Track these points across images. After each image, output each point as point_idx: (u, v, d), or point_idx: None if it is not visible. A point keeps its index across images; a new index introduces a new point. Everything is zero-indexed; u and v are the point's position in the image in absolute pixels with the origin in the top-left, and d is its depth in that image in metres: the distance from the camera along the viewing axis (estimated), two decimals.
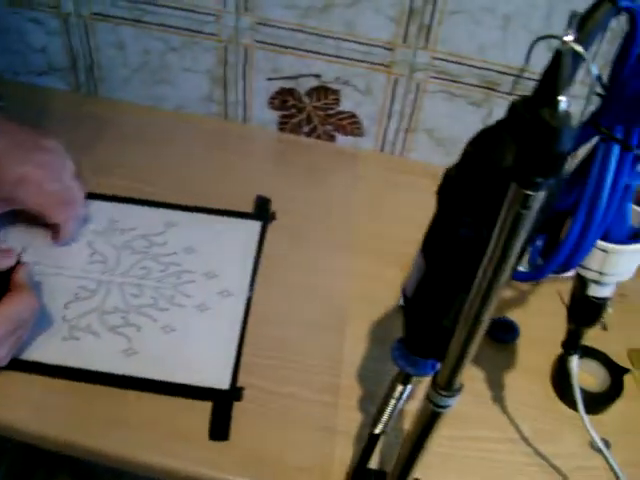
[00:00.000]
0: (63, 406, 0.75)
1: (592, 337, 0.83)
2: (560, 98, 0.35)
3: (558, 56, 0.36)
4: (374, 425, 0.62)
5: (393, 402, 0.60)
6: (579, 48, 0.36)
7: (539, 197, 0.37)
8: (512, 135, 0.39)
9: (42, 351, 0.79)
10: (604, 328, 0.89)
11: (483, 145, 0.41)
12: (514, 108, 0.39)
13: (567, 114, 0.35)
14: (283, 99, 1.05)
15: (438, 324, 0.50)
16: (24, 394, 0.75)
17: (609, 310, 0.90)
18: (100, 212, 0.95)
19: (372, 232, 0.96)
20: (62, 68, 1.10)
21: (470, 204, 0.42)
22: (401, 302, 0.84)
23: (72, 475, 0.99)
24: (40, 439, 0.74)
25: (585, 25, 0.39)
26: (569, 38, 0.36)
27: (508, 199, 0.38)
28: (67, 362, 0.78)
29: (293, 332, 0.84)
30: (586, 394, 0.79)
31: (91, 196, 0.95)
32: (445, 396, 0.51)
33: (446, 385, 0.51)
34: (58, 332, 0.81)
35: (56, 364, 0.78)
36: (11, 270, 0.76)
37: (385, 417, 0.61)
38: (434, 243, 0.47)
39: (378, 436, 0.64)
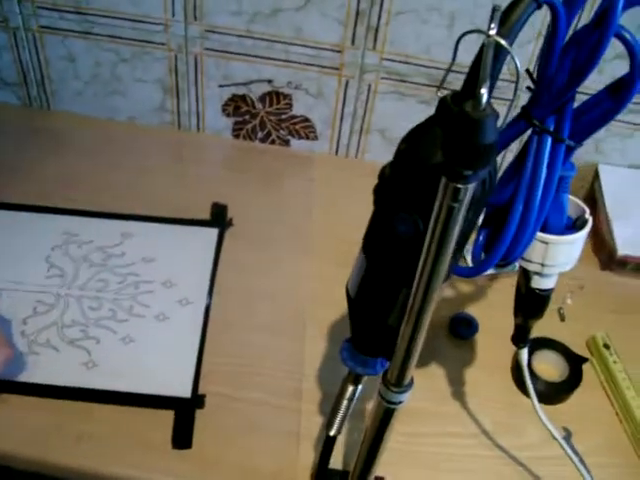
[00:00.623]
0: (24, 422, 0.74)
1: (551, 328, 0.85)
2: (482, 91, 0.35)
3: (482, 50, 0.36)
4: (329, 427, 0.62)
5: (345, 403, 0.60)
6: (502, 41, 0.37)
7: (469, 190, 0.37)
8: (442, 129, 0.39)
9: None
10: (562, 319, 0.90)
11: (415, 141, 0.42)
12: (443, 103, 0.39)
13: (489, 107, 0.36)
14: (236, 105, 1.05)
15: (383, 322, 0.50)
16: None
17: (568, 301, 0.92)
18: (57, 226, 0.94)
19: (328, 234, 0.96)
20: (13, 83, 1.09)
21: (406, 201, 0.43)
22: None
23: None
24: (2, 457, 0.73)
25: (508, 19, 0.39)
26: (492, 32, 0.36)
27: (439, 193, 0.38)
28: (27, 378, 0.78)
29: (253, 338, 0.84)
30: (546, 385, 0.80)
31: (47, 210, 0.95)
32: (396, 392, 0.52)
33: (396, 381, 0.51)
34: (17, 348, 0.81)
35: (16, 380, 0.78)
36: None
37: (339, 418, 0.61)
38: (374, 241, 0.47)
39: (334, 438, 0.64)
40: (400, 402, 0.53)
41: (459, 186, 0.37)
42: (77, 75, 1.06)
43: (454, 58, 0.40)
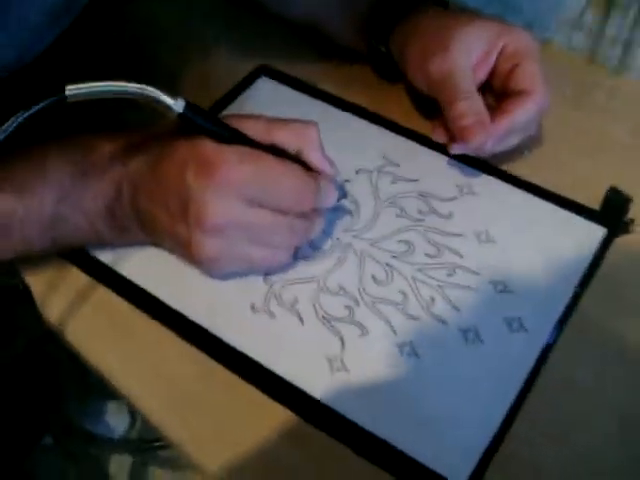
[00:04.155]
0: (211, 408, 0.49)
1: None
2: None
3: None
4: None
5: None
6: None
7: None
8: None
9: (209, 318, 0.53)
10: None
11: None
12: None
13: None
14: None
15: None
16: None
17: None
18: (377, 144, 0.65)
19: None
20: None
21: None
22: None
23: None
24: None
25: None
26: None
27: None
28: (241, 345, 0.52)
29: (597, 421, 0.49)
30: None
31: (377, 120, 0.67)
32: None
33: None
34: (251, 297, 0.54)
35: (225, 340, 0.52)
36: None
37: None
38: None
39: None
40: None
41: None
42: None
43: None
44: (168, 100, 0.46)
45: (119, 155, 0.52)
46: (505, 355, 0.51)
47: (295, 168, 0.49)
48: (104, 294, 0.55)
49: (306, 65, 0.72)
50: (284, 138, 0.50)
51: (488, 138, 0.57)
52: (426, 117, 0.66)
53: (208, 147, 0.48)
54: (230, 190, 0.47)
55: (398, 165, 0.62)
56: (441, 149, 0.62)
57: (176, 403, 0.50)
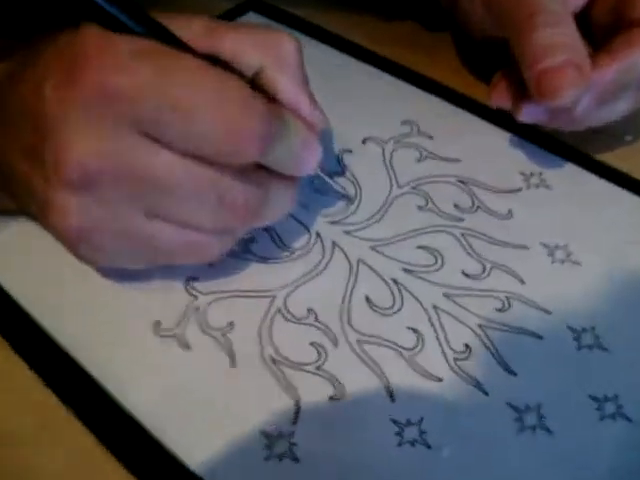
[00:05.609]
0: None
1: None
2: None
3: None
4: None
5: None
6: None
7: None
8: None
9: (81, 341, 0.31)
10: None
11: None
12: None
13: None
14: None
15: None
16: None
17: None
18: (398, 102, 0.43)
19: None
20: None
21: None
22: None
23: None
24: None
25: None
26: None
27: None
28: (123, 393, 0.29)
29: None
30: None
31: (390, 68, 0.45)
32: None
33: None
34: (156, 309, 0.32)
35: (95, 377, 0.30)
36: None
37: None
38: None
39: None
40: None
41: None
42: None
43: None
44: None
45: None
46: (590, 458, 0.28)
47: (237, 85, 0.26)
48: None
49: (321, 11, 0.51)
50: (236, 46, 0.28)
51: (585, 92, 0.34)
52: (481, 80, 0.44)
53: (87, 36, 0.26)
54: (111, 110, 0.25)
55: (431, 137, 0.40)
56: (500, 120, 0.40)
57: None
